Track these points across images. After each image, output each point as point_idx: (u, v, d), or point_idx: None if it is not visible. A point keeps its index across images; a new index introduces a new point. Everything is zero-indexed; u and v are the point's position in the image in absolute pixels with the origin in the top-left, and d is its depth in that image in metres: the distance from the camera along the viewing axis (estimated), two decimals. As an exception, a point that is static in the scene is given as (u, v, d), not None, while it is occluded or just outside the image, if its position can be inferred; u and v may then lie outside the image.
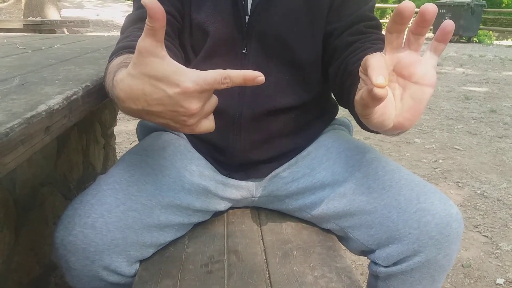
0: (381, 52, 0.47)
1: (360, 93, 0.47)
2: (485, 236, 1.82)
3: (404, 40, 0.46)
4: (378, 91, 0.41)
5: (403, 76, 0.46)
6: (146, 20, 0.41)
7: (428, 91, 0.45)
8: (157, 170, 0.80)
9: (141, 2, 0.40)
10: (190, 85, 0.43)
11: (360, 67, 0.49)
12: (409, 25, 0.45)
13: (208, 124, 0.49)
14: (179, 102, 0.44)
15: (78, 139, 1.42)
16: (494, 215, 2.00)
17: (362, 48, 0.70)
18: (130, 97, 0.46)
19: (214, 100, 0.48)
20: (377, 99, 0.42)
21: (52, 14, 8.05)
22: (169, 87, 0.44)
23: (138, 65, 0.44)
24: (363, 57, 0.49)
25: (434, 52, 0.45)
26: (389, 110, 0.47)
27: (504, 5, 16.32)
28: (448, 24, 0.43)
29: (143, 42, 0.42)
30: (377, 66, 0.43)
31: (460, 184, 2.33)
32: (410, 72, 0.46)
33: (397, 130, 0.48)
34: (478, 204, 2.10)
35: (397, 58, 0.46)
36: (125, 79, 0.46)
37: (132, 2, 0.84)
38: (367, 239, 0.78)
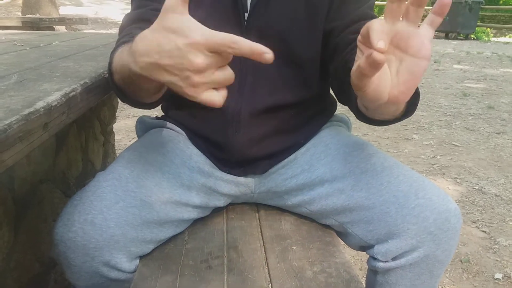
0: (381, 19, 0.47)
1: (357, 63, 0.47)
2: (483, 231, 1.83)
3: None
4: (377, 55, 0.41)
5: (400, 49, 0.46)
6: None
7: (423, 64, 0.45)
8: (156, 166, 0.80)
9: None
10: (198, 37, 0.44)
11: (359, 37, 0.49)
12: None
13: (215, 96, 0.47)
14: (184, 54, 0.44)
15: (77, 136, 1.42)
16: (492, 210, 2.01)
17: None
18: (146, 49, 0.47)
19: (228, 72, 0.47)
20: (375, 65, 0.42)
21: (50, 11, 8.03)
22: (179, 38, 0.44)
23: (161, 19, 0.46)
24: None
25: (431, 25, 0.46)
26: (384, 81, 0.47)
27: (501, 2, 16.31)
28: None
29: (169, 1, 0.45)
30: (379, 31, 0.43)
31: (458, 180, 2.34)
32: (407, 45, 0.46)
33: (392, 103, 0.48)
34: (476, 200, 2.11)
35: (395, 30, 0.46)
36: (147, 33, 0.47)
37: (130, 0, 0.83)
38: (366, 235, 0.78)
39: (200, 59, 0.44)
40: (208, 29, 0.45)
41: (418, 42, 0.45)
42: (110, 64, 0.65)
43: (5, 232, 0.90)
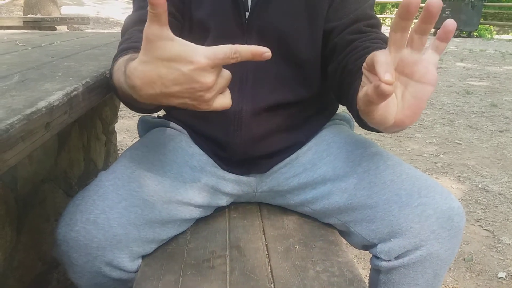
0: (386, 50, 0.48)
1: (364, 90, 0.48)
2: (486, 230, 1.82)
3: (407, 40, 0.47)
4: (385, 87, 0.42)
5: (405, 75, 0.47)
6: (148, 7, 0.42)
7: (428, 89, 0.46)
8: (159, 166, 0.80)
9: None
10: (202, 60, 0.44)
11: (364, 64, 0.50)
12: (412, 25, 0.45)
13: (224, 99, 0.50)
14: (194, 78, 0.45)
15: (79, 135, 1.42)
16: (496, 209, 2.00)
17: (361, 47, 0.71)
18: (146, 82, 0.46)
19: (226, 74, 0.49)
20: (384, 96, 0.43)
21: (52, 11, 8.03)
22: (183, 65, 0.45)
23: (149, 50, 0.45)
24: (363, 56, 0.49)
25: (436, 50, 0.46)
26: (390, 107, 0.48)
27: (504, -1, 16.25)
28: (450, 23, 0.44)
29: (150, 29, 0.43)
30: (384, 63, 0.44)
31: (461, 179, 2.33)
32: (412, 71, 0.46)
33: (397, 127, 0.49)
34: (480, 198, 2.10)
35: (400, 57, 0.47)
36: (138, 66, 0.46)
37: (131, 0, 0.84)
38: (369, 234, 0.78)
39: (209, 78, 0.46)
40: (205, 47, 0.46)
41: (423, 68, 0.45)
42: (111, 75, 0.65)
43: (7, 232, 0.90)
